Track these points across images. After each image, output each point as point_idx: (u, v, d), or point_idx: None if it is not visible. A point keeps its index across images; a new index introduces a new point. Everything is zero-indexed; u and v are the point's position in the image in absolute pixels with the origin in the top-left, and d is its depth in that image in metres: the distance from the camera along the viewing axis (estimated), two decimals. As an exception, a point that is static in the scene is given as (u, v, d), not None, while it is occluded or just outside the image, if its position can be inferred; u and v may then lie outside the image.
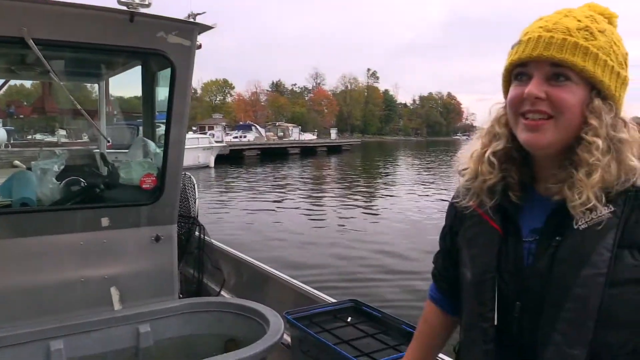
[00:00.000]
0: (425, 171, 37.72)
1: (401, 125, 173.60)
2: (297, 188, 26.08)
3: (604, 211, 1.15)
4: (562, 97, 1.17)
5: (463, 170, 1.41)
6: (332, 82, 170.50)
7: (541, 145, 1.21)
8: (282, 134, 77.49)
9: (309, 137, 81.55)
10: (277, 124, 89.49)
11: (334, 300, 3.48)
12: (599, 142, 1.16)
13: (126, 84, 4.67)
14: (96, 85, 4.83)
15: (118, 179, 3.40)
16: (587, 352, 1.15)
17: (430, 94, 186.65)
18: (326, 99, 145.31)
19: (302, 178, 32.74)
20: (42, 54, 2.80)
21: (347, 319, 3.20)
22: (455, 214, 1.47)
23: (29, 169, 3.53)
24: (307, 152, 62.54)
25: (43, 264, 3.06)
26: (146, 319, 3.24)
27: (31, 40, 2.69)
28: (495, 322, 1.29)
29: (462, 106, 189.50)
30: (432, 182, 28.89)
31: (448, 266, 1.55)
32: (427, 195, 22.57)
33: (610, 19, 1.27)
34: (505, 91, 1.31)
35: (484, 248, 1.32)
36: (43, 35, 2.76)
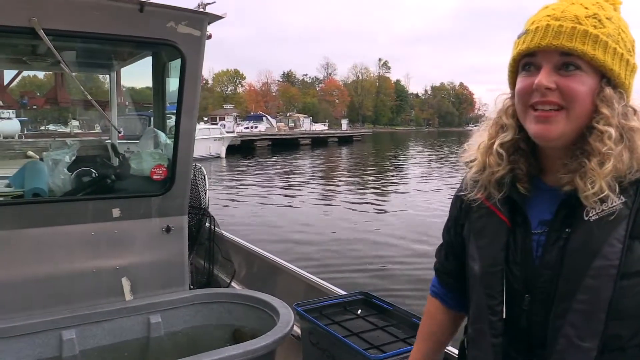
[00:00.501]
0: (436, 162, 37.55)
1: (413, 116, 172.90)
2: (308, 179, 26.08)
3: (616, 202, 1.13)
4: (573, 87, 1.15)
5: (470, 162, 1.39)
6: (343, 72, 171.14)
7: (552, 137, 1.18)
8: (293, 124, 77.40)
9: (320, 127, 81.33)
10: (288, 114, 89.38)
11: (344, 292, 3.48)
12: (612, 131, 1.14)
13: (138, 74, 4.67)
14: (107, 76, 4.84)
15: (129, 170, 3.40)
16: (598, 344, 1.14)
17: (442, 84, 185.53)
18: (337, 89, 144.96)
19: (313, 169, 32.73)
20: (52, 44, 2.79)
21: (357, 311, 3.20)
22: (461, 206, 1.46)
23: (42, 159, 3.54)
24: (318, 142, 62.44)
25: (55, 255, 3.08)
26: (157, 309, 3.25)
27: (42, 31, 2.68)
28: (504, 316, 1.28)
29: (474, 96, 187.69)
30: (444, 174, 28.76)
31: (452, 260, 1.54)
32: (438, 187, 22.47)
33: (615, 5, 1.24)
34: (512, 82, 1.29)
35: (492, 240, 1.31)
36: (53, 25, 2.75)
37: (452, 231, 1.52)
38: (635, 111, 1.18)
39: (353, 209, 16.47)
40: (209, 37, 3.17)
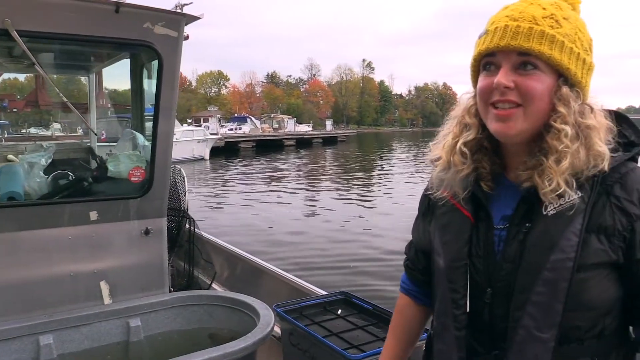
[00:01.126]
0: (420, 162, 37.71)
1: (397, 116, 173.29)
2: (293, 180, 26.05)
3: (573, 197, 1.17)
4: (531, 86, 1.18)
5: (435, 161, 1.42)
6: (327, 73, 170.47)
7: (511, 134, 1.21)
8: (277, 125, 77.25)
9: (304, 128, 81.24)
10: (272, 115, 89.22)
11: (325, 293, 3.48)
12: (568, 129, 1.17)
13: (119, 76, 4.63)
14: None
15: (106, 172, 3.38)
16: (556, 334, 1.17)
17: (426, 84, 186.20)
18: (321, 90, 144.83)
19: (297, 170, 32.69)
20: (27, 46, 2.76)
21: (338, 311, 3.19)
22: (428, 203, 1.50)
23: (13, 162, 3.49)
24: (302, 143, 62.39)
25: (31, 259, 3.04)
26: (136, 313, 3.23)
27: (15, 32, 2.65)
28: (468, 309, 1.31)
29: (457, 96, 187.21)
30: (427, 174, 28.80)
31: (421, 257, 1.56)
32: (422, 186, 22.49)
33: (573, 5, 1.27)
34: (474, 81, 1.31)
35: (456, 235, 1.34)
36: (27, 26, 2.72)
37: (421, 228, 1.55)
38: (592, 109, 1.21)
39: (336, 210, 16.48)
40: (187, 37, 3.15)
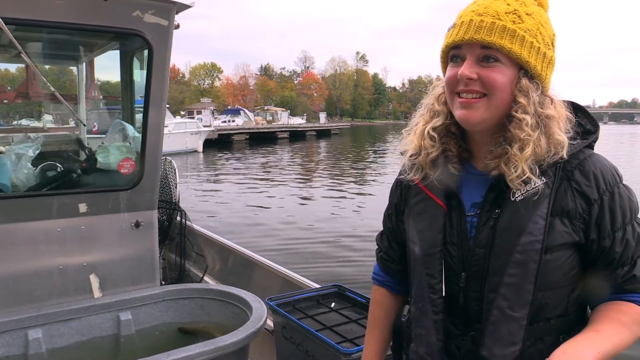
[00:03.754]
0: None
1: (390, 109, 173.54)
2: (286, 173, 26.00)
3: (538, 182, 1.25)
4: (492, 77, 1.26)
5: (406, 147, 1.49)
6: (321, 66, 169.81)
7: (474, 121, 1.29)
8: (270, 118, 77.11)
9: (298, 121, 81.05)
10: (266, 108, 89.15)
11: (318, 286, 3.45)
12: (528, 118, 1.25)
13: (112, 66, 4.56)
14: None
15: (96, 164, 3.32)
16: (527, 313, 1.25)
17: (420, 77, 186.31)
18: (315, 82, 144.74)
19: (291, 163, 32.66)
20: (14, 34, 2.69)
21: (331, 304, 3.17)
22: (400, 193, 1.58)
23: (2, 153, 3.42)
24: (296, 136, 62.35)
25: (19, 252, 2.98)
26: (127, 306, 3.18)
27: (0, 20, 2.58)
28: (444, 293, 1.38)
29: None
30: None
31: (396, 247, 1.64)
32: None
33: (540, 1, 1.34)
34: (444, 71, 1.40)
35: (430, 224, 1.41)
36: (13, 14, 2.65)
37: (394, 218, 1.62)
38: (552, 100, 1.30)
39: (330, 202, 16.47)
40: (177, 27, 3.09)
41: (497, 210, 1.30)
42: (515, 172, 1.24)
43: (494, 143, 1.31)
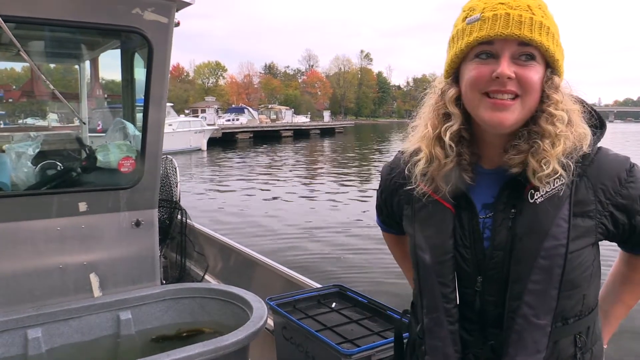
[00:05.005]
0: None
1: (395, 108, 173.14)
2: (290, 171, 25.98)
3: (557, 183, 1.21)
4: (530, 77, 1.18)
5: (415, 151, 1.39)
6: (325, 64, 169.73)
7: (508, 124, 1.20)
8: (275, 116, 77.09)
9: (302, 119, 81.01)
10: (270, 106, 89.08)
11: (319, 286, 3.42)
12: (564, 114, 1.20)
13: (116, 65, 4.54)
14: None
15: (96, 163, 3.30)
16: (551, 319, 1.22)
17: (424, 75, 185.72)
18: (319, 81, 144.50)
19: (295, 161, 32.63)
20: (14, 33, 2.67)
21: (332, 304, 3.14)
22: (390, 190, 1.53)
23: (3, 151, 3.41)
24: (300, 134, 62.33)
25: (19, 251, 2.97)
26: (127, 305, 3.16)
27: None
28: (458, 302, 1.32)
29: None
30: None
31: (393, 221, 1.62)
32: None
33: None
34: (454, 68, 1.29)
35: (439, 229, 1.33)
36: (13, 12, 2.64)
37: (384, 207, 1.62)
38: (566, 94, 1.26)
39: (333, 202, 16.45)
40: (177, 24, 3.07)
41: (512, 210, 1.25)
42: (547, 169, 1.18)
43: (517, 137, 1.24)
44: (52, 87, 3.13)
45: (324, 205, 15.74)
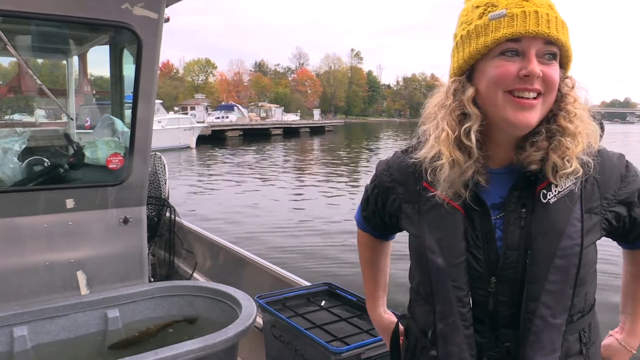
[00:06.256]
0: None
1: (384, 107, 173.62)
2: (279, 170, 25.94)
3: (568, 183, 1.22)
4: (554, 75, 1.18)
5: (435, 156, 1.29)
6: (315, 63, 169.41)
7: (533, 123, 1.19)
8: (264, 114, 77.01)
9: (292, 117, 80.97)
10: (260, 104, 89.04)
11: (308, 284, 3.42)
12: (582, 112, 1.22)
13: (105, 61, 4.50)
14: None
15: (83, 159, 3.26)
16: (567, 318, 1.23)
17: (414, 75, 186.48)
18: (309, 79, 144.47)
19: (284, 159, 32.59)
20: (0, 27, 2.64)
21: (322, 302, 3.13)
22: (385, 187, 1.49)
23: None
24: (290, 133, 62.28)
25: (5, 248, 2.93)
26: (114, 303, 3.13)
27: (-15, 12, 2.53)
28: (471, 305, 1.29)
29: (441, 81, 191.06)
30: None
31: (378, 219, 1.59)
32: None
33: None
34: (466, 65, 1.25)
35: (451, 231, 1.29)
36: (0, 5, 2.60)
37: (373, 202, 1.58)
38: None
39: (323, 200, 16.45)
40: (167, 20, 3.05)
41: (523, 210, 1.24)
42: (571, 166, 1.19)
43: (536, 135, 1.22)
44: (39, 82, 3.09)
45: (313, 204, 15.73)
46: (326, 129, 76.52)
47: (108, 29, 3.27)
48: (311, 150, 41.95)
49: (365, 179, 21.90)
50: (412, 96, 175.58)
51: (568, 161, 1.18)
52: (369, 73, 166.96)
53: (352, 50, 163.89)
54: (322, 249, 10.03)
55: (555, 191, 1.21)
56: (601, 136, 1.29)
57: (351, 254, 9.58)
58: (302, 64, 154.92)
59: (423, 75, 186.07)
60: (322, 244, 10.43)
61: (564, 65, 1.24)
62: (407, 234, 1.45)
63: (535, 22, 1.14)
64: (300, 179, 22.75)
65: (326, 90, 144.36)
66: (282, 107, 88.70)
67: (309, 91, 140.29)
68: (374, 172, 1.58)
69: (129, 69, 3.63)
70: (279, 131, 61.26)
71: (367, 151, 39.75)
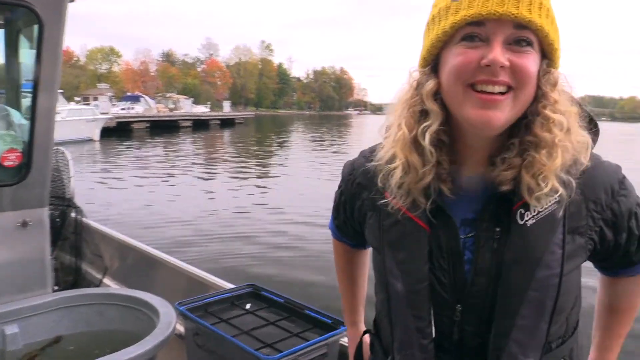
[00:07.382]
0: (318, 145, 38.09)
1: (295, 99, 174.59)
2: (189, 163, 25.19)
3: (551, 202, 1.03)
4: (527, 65, 0.98)
5: (390, 158, 1.13)
6: (225, 54, 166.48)
7: (497, 124, 0.99)
8: (173, 106, 74.83)
9: (201, 109, 79.21)
10: (168, 95, 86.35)
11: (231, 286, 3.24)
12: (562, 118, 1.00)
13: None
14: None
15: (-27, 156, 2.89)
16: (540, 355, 1.08)
17: (324, 68, 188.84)
18: (219, 70, 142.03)
19: (194, 153, 31.79)
20: None
21: (246, 306, 2.97)
22: (352, 193, 1.32)
23: None
24: (199, 125, 61.09)
25: None
26: (13, 318, 2.80)
27: None
28: (434, 335, 1.12)
29: (353, 81, 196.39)
30: (325, 155, 29.24)
31: (349, 227, 1.43)
32: (320, 168, 22.74)
33: None
34: (429, 55, 1.07)
35: (413, 253, 1.12)
36: None
37: (343, 210, 1.42)
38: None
39: (237, 195, 16.14)
40: (72, 0, 2.74)
41: (497, 229, 1.06)
42: (545, 187, 0.99)
43: (505, 149, 1.04)
44: None
45: (228, 199, 15.36)
46: (237, 121, 75.72)
47: (3, 7, 2.92)
48: (222, 143, 41.24)
49: (280, 172, 21.89)
50: (322, 89, 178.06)
51: (542, 180, 1.00)
52: (280, 65, 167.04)
53: (263, 42, 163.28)
54: (241, 246, 9.77)
55: (534, 211, 1.03)
56: (594, 142, 1.10)
57: (273, 252, 9.42)
58: (212, 54, 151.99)
59: (332, 69, 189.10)
60: (241, 241, 10.14)
61: (548, 56, 1.02)
62: None
63: (500, 1, 0.94)
64: (212, 172, 22.21)
65: (236, 82, 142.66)
66: (192, 99, 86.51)
67: (219, 83, 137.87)
68: (341, 176, 1.40)
69: (25, 54, 3.27)
70: (188, 123, 59.79)
71: (278, 145, 39.66)
